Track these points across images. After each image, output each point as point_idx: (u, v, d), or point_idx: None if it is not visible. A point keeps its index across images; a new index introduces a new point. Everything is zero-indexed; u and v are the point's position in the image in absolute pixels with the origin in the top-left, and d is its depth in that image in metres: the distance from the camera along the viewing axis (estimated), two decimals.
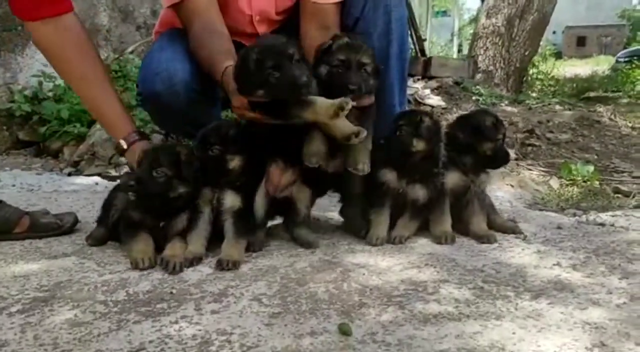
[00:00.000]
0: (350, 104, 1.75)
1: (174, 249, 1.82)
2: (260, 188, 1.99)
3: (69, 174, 3.35)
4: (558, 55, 36.42)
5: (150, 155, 1.78)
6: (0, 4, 3.84)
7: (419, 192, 2.06)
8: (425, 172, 2.07)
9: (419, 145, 2.02)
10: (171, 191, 1.80)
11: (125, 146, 2.11)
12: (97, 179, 3.21)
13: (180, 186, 1.82)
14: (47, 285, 1.63)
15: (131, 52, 4.67)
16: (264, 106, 1.83)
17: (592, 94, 13.47)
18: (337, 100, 1.76)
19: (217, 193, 1.92)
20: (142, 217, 1.84)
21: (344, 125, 1.84)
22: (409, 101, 5.22)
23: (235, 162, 1.90)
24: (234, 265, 1.78)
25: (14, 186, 3.04)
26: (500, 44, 7.61)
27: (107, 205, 2.06)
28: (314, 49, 2.07)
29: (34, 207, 2.61)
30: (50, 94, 4.01)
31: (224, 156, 1.89)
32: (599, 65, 25.14)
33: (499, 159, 2.16)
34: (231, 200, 1.91)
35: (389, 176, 2.07)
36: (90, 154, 3.42)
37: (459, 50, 40.74)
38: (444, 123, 2.39)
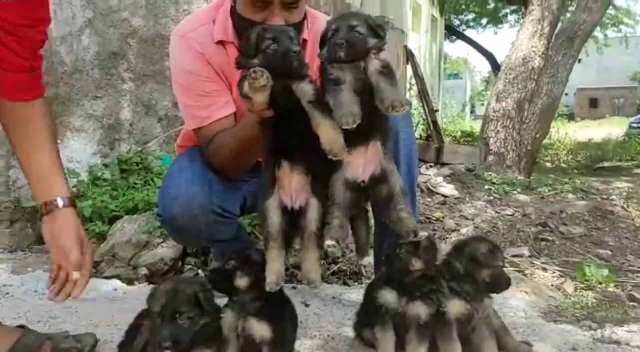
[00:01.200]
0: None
1: None
2: (271, 200, 1.99)
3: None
4: (571, 117, 36.76)
5: (169, 304, 1.83)
6: None
7: (420, 310, 2.09)
8: (424, 290, 2.12)
9: (417, 264, 2.09)
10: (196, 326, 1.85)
11: (44, 211, 2.05)
12: (116, 283, 3.28)
13: (202, 318, 1.87)
14: None
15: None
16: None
17: (606, 164, 13.54)
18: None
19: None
20: None
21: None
22: (422, 190, 5.30)
23: (243, 281, 1.98)
24: None
25: (36, 292, 3.12)
26: (511, 127, 7.77)
27: (132, 331, 2.11)
28: None
29: (55, 319, 2.68)
30: (74, 190, 4.15)
31: (235, 271, 1.98)
32: (612, 127, 25.28)
33: (500, 285, 2.16)
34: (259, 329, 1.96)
35: (389, 296, 2.13)
36: (111, 255, 3.51)
37: (472, 112, 41.27)
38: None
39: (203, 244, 2.47)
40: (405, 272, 2.10)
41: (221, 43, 2.35)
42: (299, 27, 2.28)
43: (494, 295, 2.19)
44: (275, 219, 1.95)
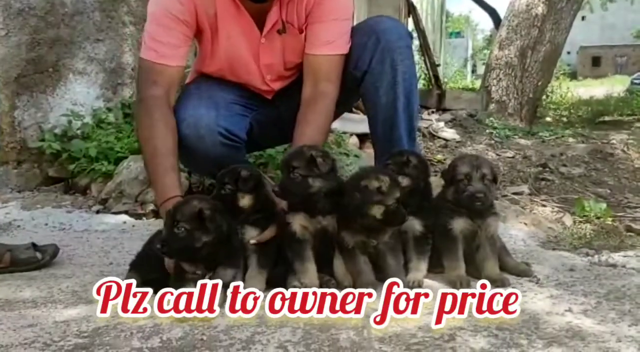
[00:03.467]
0: None
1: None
2: None
3: (98, 212, 3.49)
4: (573, 76, 36.56)
5: (169, 214, 1.89)
6: (33, 48, 4.04)
7: (414, 222, 2.16)
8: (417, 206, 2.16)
9: (404, 181, 2.13)
10: (195, 242, 1.89)
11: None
12: (124, 217, 3.35)
13: (203, 235, 1.91)
14: (87, 331, 1.74)
15: None
16: None
17: (607, 118, 13.49)
18: None
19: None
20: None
21: None
22: (424, 134, 5.34)
23: (245, 201, 2.04)
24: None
25: (46, 224, 3.20)
26: (513, 75, 7.74)
27: (143, 252, 2.18)
28: (306, 100, 2.35)
29: (67, 247, 2.75)
30: (78, 132, 4.19)
31: (235, 195, 2.04)
32: (614, 85, 25.10)
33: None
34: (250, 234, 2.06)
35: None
36: (118, 192, 3.57)
37: (473, 71, 40.95)
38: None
39: (212, 171, 2.51)
40: None
41: None
42: None
43: None
44: None
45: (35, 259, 2.37)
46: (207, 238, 1.91)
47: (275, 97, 2.62)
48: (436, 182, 2.40)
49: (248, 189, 2.06)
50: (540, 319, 1.81)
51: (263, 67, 2.50)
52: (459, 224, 2.17)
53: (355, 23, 2.61)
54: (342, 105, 2.66)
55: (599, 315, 1.84)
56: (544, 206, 3.76)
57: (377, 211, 1.97)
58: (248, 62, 2.48)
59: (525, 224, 3.26)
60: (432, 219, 2.19)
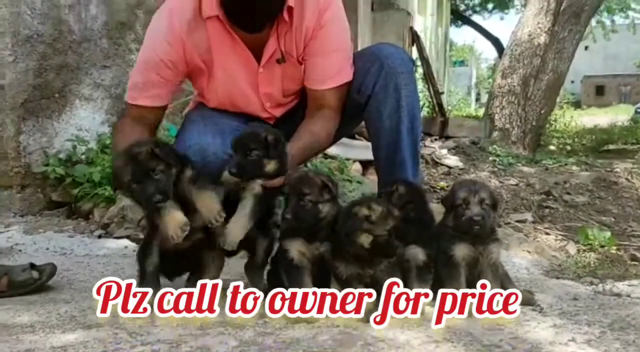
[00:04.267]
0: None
1: None
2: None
3: (99, 237, 3.49)
4: (577, 105, 36.67)
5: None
6: (40, 74, 4.10)
7: (416, 251, 2.15)
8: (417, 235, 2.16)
9: (394, 211, 2.09)
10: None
11: None
12: (126, 242, 3.35)
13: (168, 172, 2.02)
14: None
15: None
16: None
17: (611, 147, 13.50)
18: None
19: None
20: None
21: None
22: (427, 161, 5.35)
23: (272, 166, 2.08)
24: None
25: (48, 249, 3.20)
26: (516, 102, 7.78)
27: None
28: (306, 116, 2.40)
29: (67, 271, 2.75)
30: (83, 157, 4.21)
31: (261, 161, 2.07)
32: (618, 114, 25.18)
33: None
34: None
35: None
36: (120, 217, 3.57)
37: (477, 99, 41.04)
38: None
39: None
40: None
41: (208, 18, 2.36)
42: None
43: None
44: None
45: (33, 280, 2.37)
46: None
47: (278, 122, 2.63)
48: (438, 209, 2.39)
49: (277, 153, 2.09)
50: (543, 349, 1.78)
51: (262, 95, 2.52)
52: (461, 251, 2.15)
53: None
54: (343, 129, 2.69)
55: (603, 345, 1.81)
56: (547, 234, 3.74)
57: (364, 240, 1.95)
58: (247, 92, 2.51)
59: (529, 252, 3.24)
60: (434, 248, 2.18)
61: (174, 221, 2.02)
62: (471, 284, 2.19)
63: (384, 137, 2.52)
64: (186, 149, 2.36)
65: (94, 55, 4.49)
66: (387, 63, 2.46)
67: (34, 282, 2.36)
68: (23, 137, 4.04)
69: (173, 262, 2.23)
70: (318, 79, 2.47)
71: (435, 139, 6.40)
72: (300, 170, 2.27)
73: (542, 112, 7.98)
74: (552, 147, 12.63)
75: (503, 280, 2.30)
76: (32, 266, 2.42)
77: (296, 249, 2.05)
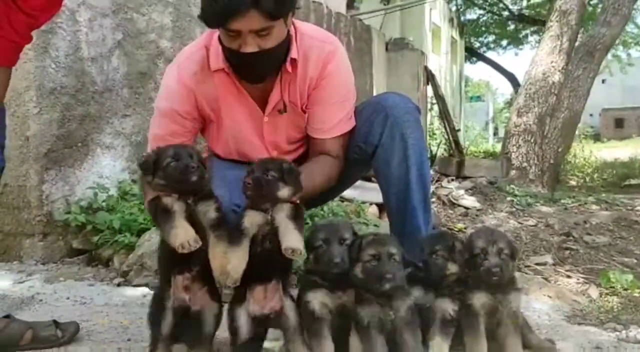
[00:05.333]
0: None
1: None
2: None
3: (119, 285, 3.52)
4: (596, 138, 36.32)
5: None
6: (63, 124, 4.22)
7: (447, 304, 2.15)
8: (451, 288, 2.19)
9: (452, 268, 2.17)
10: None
11: None
12: (145, 290, 3.37)
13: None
14: None
15: None
16: None
17: (632, 181, 13.31)
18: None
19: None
20: None
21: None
22: (444, 202, 5.34)
23: (285, 191, 2.08)
24: None
25: (68, 298, 3.23)
26: (532, 141, 7.77)
27: None
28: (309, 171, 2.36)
29: (87, 322, 2.77)
30: (104, 204, 4.29)
31: (276, 183, 2.08)
32: (638, 147, 24.86)
33: None
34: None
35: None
36: (139, 264, 3.60)
37: (495, 133, 40.88)
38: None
39: None
40: (442, 276, 2.18)
41: (216, 71, 2.47)
42: (286, 46, 2.39)
43: None
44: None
45: (56, 337, 2.39)
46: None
47: None
48: None
49: (292, 181, 2.10)
50: None
51: (268, 144, 2.60)
52: (480, 300, 2.15)
53: (375, 92, 2.73)
54: (352, 176, 2.77)
55: None
56: (568, 276, 3.68)
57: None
58: (253, 140, 2.60)
59: (550, 296, 3.19)
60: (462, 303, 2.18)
61: (186, 231, 1.98)
62: (490, 333, 2.18)
63: (394, 186, 2.57)
64: None
65: (115, 105, 4.63)
66: (392, 113, 2.52)
67: (56, 339, 2.39)
68: (46, 186, 4.12)
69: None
70: (318, 128, 2.56)
71: (452, 180, 6.40)
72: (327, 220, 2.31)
73: (560, 149, 7.95)
74: (572, 183, 12.50)
75: (523, 329, 2.27)
76: (55, 324, 2.45)
77: (319, 300, 2.07)
